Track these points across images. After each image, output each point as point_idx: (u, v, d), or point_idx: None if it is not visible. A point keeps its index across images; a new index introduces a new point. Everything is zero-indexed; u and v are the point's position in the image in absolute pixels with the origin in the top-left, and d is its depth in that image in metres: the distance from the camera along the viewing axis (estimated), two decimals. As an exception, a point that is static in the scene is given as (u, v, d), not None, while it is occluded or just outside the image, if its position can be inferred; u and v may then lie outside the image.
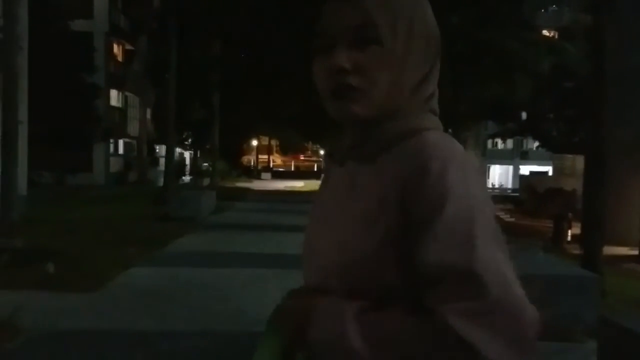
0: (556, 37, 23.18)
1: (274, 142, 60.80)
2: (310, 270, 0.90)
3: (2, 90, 8.17)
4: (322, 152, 61.91)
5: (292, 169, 64.65)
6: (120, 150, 34.32)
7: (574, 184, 28.35)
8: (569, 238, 19.48)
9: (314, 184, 39.37)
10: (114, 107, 32.51)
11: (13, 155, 8.12)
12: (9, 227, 7.78)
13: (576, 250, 16.76)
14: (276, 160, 65.87)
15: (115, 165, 32.15)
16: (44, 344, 4.31)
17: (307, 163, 66.70)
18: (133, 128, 35.17)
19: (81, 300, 5.53)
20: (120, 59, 34.08)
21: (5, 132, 8.12)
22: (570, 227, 19.94)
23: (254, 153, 61.76)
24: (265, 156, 62.91)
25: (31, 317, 4.82)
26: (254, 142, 57.03)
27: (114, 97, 32.76)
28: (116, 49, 33.42)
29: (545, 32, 21.91)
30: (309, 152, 64.62)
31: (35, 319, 4.82)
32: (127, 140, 34.95)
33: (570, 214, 20.02)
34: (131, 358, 4.10)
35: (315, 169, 63.88)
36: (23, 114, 9.83)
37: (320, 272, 0.86)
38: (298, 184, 37.21)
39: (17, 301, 5.28)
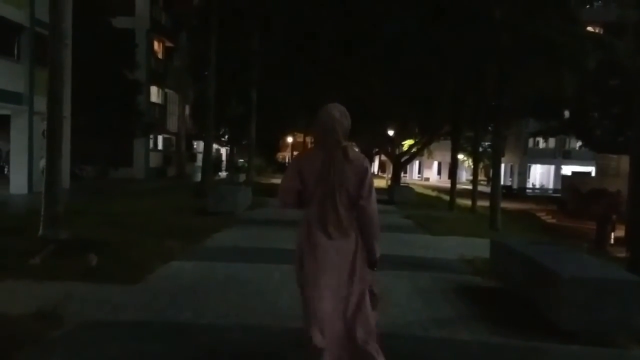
0: (601, 32, 22.50)
1: (309, 139, 60.88)
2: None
3: (48, 85, 8.39)
4: (356, 148, 61.61)
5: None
6: (160, 146, 34.93)
7: (619, 184, 27.51)
8: (612, 241, 18.93)
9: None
10: (154, 103, 33.09)
11: (57, 148, 8.33)
12: (54, 219, 7.99)
13: (620, 253, 16.27)
14: (311, 157, 65.95)
15: (154, 160, 32.74)
16: (86, 334, 4.40)
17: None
18: (172, 124, 35.76)
19: (122, 292, 5.63)
20: (160, 55, 34.65)
21: (50, 127, 8.34)
22: (613, 230, 19.37)
23: (289, 150, 62.03)
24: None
25: (74, 308, 4.95)
26: (290, 139, 57.24)
27: (154, 93, 33.34)
28: (157, 45, 33.99)
29: (589, 28, 21.29)
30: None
31: (78, 309, 4.94)
32: (166, 135, 35.56)
33: (614, 216, 19.45)
34: (170, 350, 4.14)
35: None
36: (66, 109, 10.10)
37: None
38: (333, 181, 37.14)
39: (61, 292, 5.42)
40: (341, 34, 17.88)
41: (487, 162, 37.77)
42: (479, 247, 8.72)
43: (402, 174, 36.03)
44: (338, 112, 3.26)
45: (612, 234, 19.17)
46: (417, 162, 59.37)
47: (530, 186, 52.04)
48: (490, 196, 14.21)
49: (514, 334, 4.80)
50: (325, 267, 3.18)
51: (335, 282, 3.18)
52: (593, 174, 40.12)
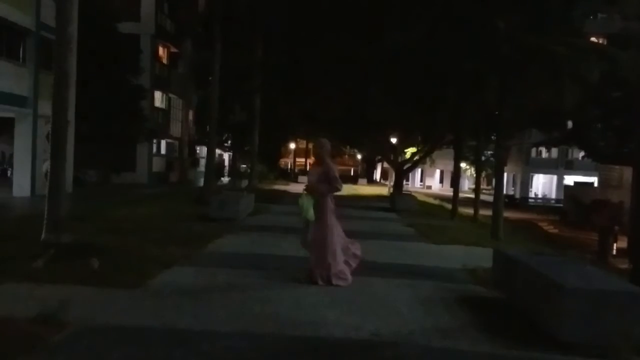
0: (604, 44, 22.52)
1: (311, 146, 61.00)
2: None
3: (53, 89, 8.42)
4: (359, 156, 61.63)
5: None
6: (163, 151, 34.98)
7: (621, 195, 27.49)
8: (614, 252, 18.89)
9: (350, 189, 39.18)
10: (157, 108, 33.18)
11: (61, 152, 8.34)
12: (57, 222, 8.00)
13: (622, 264, 16.22)
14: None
15: (157, 165, 32.80)
16: (87, 339, 4.40)
17: (343, 167, 66.66)
18: (175, 129, 35.84)
19: (124, 296, 5.63)
20: (165, 61, 34.77)
21: (54, 130, 8.36)
22: (616, 241, 19.35)
23: (291, 156, 62.17)
24: (303, 159, 63.19)
25: (75, 312, 4.95)
26: (292, 146, 57.37)
27: (158, 99, 33.43)
28: (161, 51, 34.12)
29: (593, 39, 21.32)
30: (346, 156, 64.48)
31: (79, 313, 4.94)
32: (169, 141, 35.63)
33: (616, 227, 19.42)
34: (171, 356, 4.13)
35: (352, 174, 63.67)
36: (70, 113, 10.11)
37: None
38: (335, 188, 37.05)
39: (62, 296, 5.43)
40: (342, 43, 17.91)
41: (489, 171, 37.78)
42: (481, 257, 8.71)
43: (404, 182, 35.97)
44: (327, 143, 6.86)
45: (615, 245, 19.14)
46: (419, 170, 59.38)
47: (533, 196, 51.99)
48: (493, 205, 14.19)
49: (515, 345, 4.79)
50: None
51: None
52: (596, 185, 40.10)
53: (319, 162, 6.89)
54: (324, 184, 6.64)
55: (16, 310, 4.91)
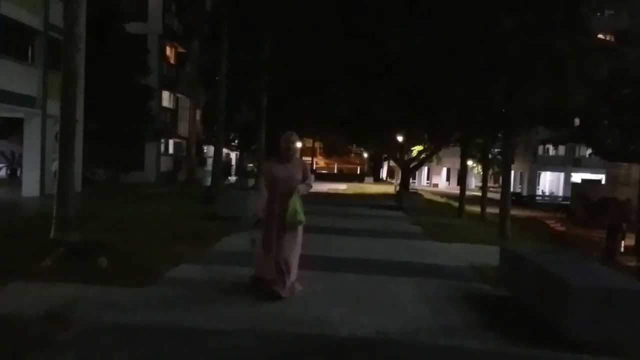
0: (612, 41, 22.39)
1: (317, 145, 61.01)
2: (284, 182, 5.95)
3: (61, 89, 8.48)
4: (365, 155, 61.54)
5: (335, 171, 64.83)
6: (171, 150, 35.08)
7: (629, 193, 27.33)
8: (622, 250, 18.76)
9: (356, 187, 39.17)
10: (165, 108, 33.29)
11: (70, 152, 8.40)
12: (66, 221, 8.06)
13: (630, 262, 16.15)
14: (319, 162, 66.07)
15: (165, 164, 32.90)
16: (95, 337, 4.44)
17: (350, 166, 66.67)
18: (183, 128, 35.92)
19: (132, 294, 5.67)
20: (172, 61, 34.86)
21: (63, 130, 8.42)
22: (623, 239, 19.21)
23: (298, 154, 62.14)
24: (309, 158, 63.29)
25: (83, 310, 5.00)
26: (299, 144, 57.41)
27: (166, 98, 33.53)
28: (169, 51, 34.21)
29: (600, 36, 21.19)
30: (352, 154, 64.43)
31: (87, 311, 4.98)
32: (177, 140, 35.73)
33: (624, 225, 19.28)
34: (179, 354, 4.17)
35: (359, 172, 63.66)
36: (79, 113, 10.19)
37: (291, 181, 5.95)
38: (341, 187, 37.12)
39: (71, 294, 5.48)
40: (348, 43, 17.90)
41: (496, 169, 37.64)
42: (488, 255, 8.69)
43: (411, 180, 35.90)
44: (297, 138, 6.44)
45: (622, 243, 19.02)
46: (426, 168, 59.26)
47: (540, 194, 51.75)
48: (500, 203, 14.16)
49: (523, 343, 4.78)
50: None
51: None
52: (603, 182, 39.86)
53: (288, 158, 6.10)
54: (302, 184, 6.06)
55: (25, 308, 4.96)
